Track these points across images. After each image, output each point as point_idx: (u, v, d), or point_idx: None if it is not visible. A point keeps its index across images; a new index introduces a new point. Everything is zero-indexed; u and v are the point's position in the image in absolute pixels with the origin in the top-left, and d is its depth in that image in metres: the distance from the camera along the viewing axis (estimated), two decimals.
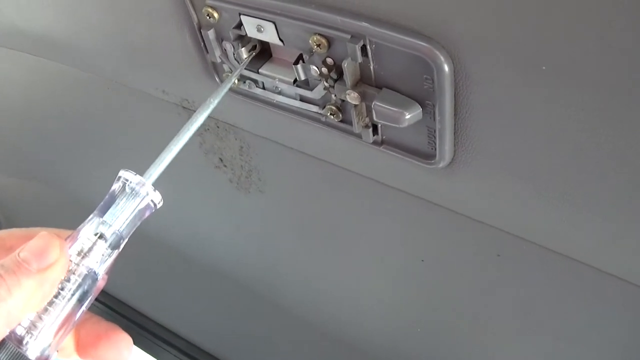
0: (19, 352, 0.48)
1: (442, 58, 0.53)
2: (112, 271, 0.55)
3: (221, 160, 0.97)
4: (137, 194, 0.54)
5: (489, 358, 0.96)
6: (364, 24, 0.55)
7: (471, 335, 0.95)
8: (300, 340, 1.36)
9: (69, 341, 0.56)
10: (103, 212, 0.53)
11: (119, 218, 0.53)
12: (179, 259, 1.41)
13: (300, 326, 1.28)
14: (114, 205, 0.53)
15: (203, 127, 0.92)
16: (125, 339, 0.56)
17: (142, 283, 1.65)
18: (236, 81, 0.73)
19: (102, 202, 0.54)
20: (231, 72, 0.71)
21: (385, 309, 1.05)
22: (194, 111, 0.61)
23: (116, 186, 0.54)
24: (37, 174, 1.59)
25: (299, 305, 1.23)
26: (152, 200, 0.54)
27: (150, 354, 1.82)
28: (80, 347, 0.56)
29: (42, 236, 0.50)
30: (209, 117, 0.62)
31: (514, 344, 0.88)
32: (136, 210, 0.54)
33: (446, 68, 0.54)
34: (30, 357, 0.49)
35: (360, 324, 1.13)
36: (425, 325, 1.01)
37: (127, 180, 0.54)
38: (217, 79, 0.76)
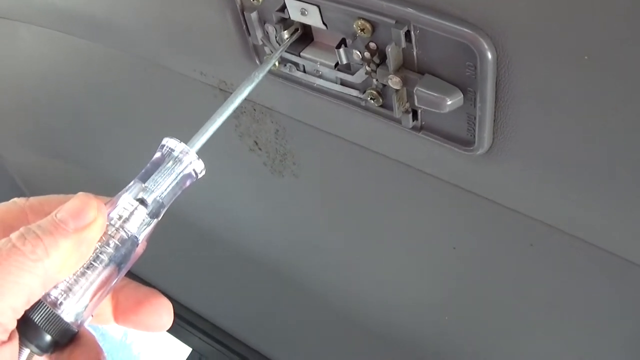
0: (53, 314, 0.48)
1: (485, 45, 0.53)
2: (149, 240, 0.55)
3: (256, 143, 0.98)
4: (181, 161, 0.54)
5: (517, 347, 0.97)
6: (409, 9, 0.55)
7: (500, 324, 0.95)
8: (326, 325, 1.36)
9: (106, 307, 0.55)
10: (145, 179, 0.53)
11: (161, 185, 0.53)
12: (209, 241, 1.42)
13: (328, 311, 1.28)
14: (156, 172, 0.54)
15: (239, 110, 0.93)
16: (166, 305, 0.55)
17: (170, 265, 1.66)
18: (277, 64, 0.73)
19: (143, 169, 0.54)
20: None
21: (414, 296, 1.05)
22: (231, 93, 0.61)
23: (159, 154, 0.54)
24: (67, 153, 1.60)
25: (327, 291, 1.24)
26: (194, 170, 0.55)
27: (176, 336, 1.83)
28: (119, 313, 0.56)
29: (79, 197, 0.50)
30: (246, 99, 0.63)
31: (543, 334, 0.89)
32: (179, 177, 0.54)
33: (489, 55, 0.54)
34: (65, 319, 0.49)
35: (389, 310, 1.13)
36: (454, 313, 1.01)
37: (171, 147, 0.54)
38: (257, 61, 0.76)
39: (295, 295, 1.35)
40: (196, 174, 0.55)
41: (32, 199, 0.55)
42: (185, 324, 1.80)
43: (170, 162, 0.54)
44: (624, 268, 0.67)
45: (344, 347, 1.40)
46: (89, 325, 0.53)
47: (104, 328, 2.57)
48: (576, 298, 0.78)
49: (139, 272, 1.72)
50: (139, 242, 0.53)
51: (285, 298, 1.41)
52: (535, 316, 0.87)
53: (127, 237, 0.52)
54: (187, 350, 1.86)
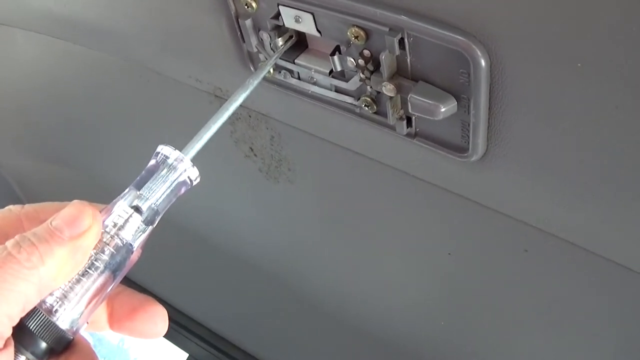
0: (49, 321, 0.48)
1: (479, 52, 0.54)
2: (145, 247, 0.55)
3: (251, 149, 0.98)
4: (175, 169, 0.54)
5: (512, 353, 0.97)
6: (403, 17, 0.56)
7: (495, 329, 0.95)
8: (323, 330, 1.36)
9: (101, 314, 0.55)
10: (139, 186, 0.53)
11: (156, 192, 0.53)
12: (205, 247, 1.42)
13: (323, 315, 1.28)
14: (151, 179, 0.54)
15: (235, 116, 0.93)
16: (161, 312, 0.55)
17: (167, 271, 1.65)
18: (271, 71, 0.73)
19: (138, 177, 0.54)
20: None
21: (409, 301, 1.05)
22: (226, 100, 0.61)
23: (154, 161, 0.54)
24: (64, 159, 1.60)
25: (322, 295, 1.24)
26: (188, 177, 0.55)
27: (172, 342, 1.83)
28: (114, 320, 0.56)
29: (75, 204, 0.50)
30: (241, 106, 0.63)
31: (537, 339, 0.89)
32: (173, 185, 0.54)
33: (483, 63, 0.54)
34: (60, 326, 0.49)
35: (384, 315, 1.13)
36: (449, 318, 1.01)
37: (165, 155, 0.54)
38: (252, 68, 0.76)
39: (291, 300, 1.35)
40: (191, 181, 0.55)
41: (27, 206, 0.55)
42: (182, 329, 1.80)
43: (165, 170, 0.54)
44: (618, 273, 0.67)
45: (340, 351, 1.40)
46: (85, 331, 0.53)
47: (100, 333, 2.58)
48: (570, 303, 0.78)
49: (134, 278, 1.72)
50: (134, 249, 0.53)
51: (281, 303, 1.41)
52: (530, 321, 0.87)
53: (122, 245, 0.52)
54: (184, 355, 1.86)
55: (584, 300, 0.77)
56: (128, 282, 0.54)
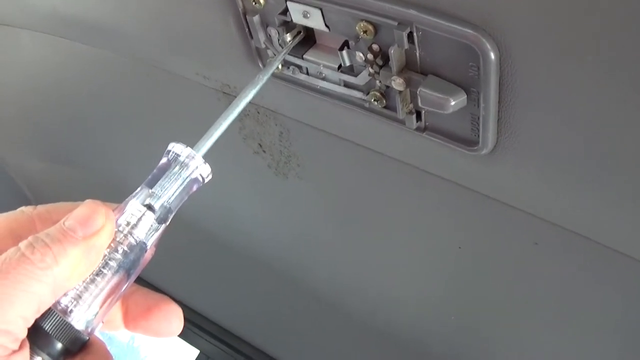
0: (64, 322, 0.48)
1: (488, 46, 0.53)
2: (158, 245, 0.55)
3: (260, 145, 0.98)
4: (187, 166, 0.54)
5: (522, 345, 0.97)
6: (412, 11, 0.55)
7: (505, 323, 0.95)
8: (333, 326, 1.36)
9: (116, 313, 0.55)
10: (151, 185, 0.53)
11: (168, 190, 0.53)
12: (215, 244, 1.42)
13: (334, 311, 1.28)
14: (163, 177, 0.54)
15: (243, 113, 0.93)
16: (176, 311, 0.55)
17: (177, 268, 1.65)
18: (280, 67, 0.73)
19: (150, 175, 0.54)
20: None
21: (420, 296, 1.05)
22: (235, 96, 0.61)
23: (165, 159, 0.54)
24: (72, 159, 1.60)
25: (332, 291, 1.24)
26: (200, 174, 0.55)
27: (183, 338, 1.83)
28: (129, 319, 0.56)
29: (87, 204, 0.50)
30: (250, 102, 0.63)
31: (548, 332, 0.89)
32: (185, 182, 0.54)
33: (492, 56, 0.54)
34: (76, 327, 0.49)
35: (395, 310, 1.13)
36: (460, 312, 1.01)
37: (177, 152, 0.54)
38: (260, 64, 0.76)
39: (300, 296, 1.35)
40: (203, 178, 0.55)
41: (39, 207, 0.55)
42: (193, 326, 1.80)
43: (177, 167, 0.54)
44: (629, 265, 0.67)
45: (350, 347, 1.40)
46: (99, 330, 0.53)
47: (110, 332, 2.58)
48: (581, 296, 0.78)
49: (144, 276, 1.72)
50: (148, 247, 0.53)
51: (291, 299, 1.41)
52: (540, 314, 0.87)
53: (135, 243, 0.52)
54: (195, 352, 1.86)
55: (594, 293, 0.77)
56: (138, 279, 0.54)
